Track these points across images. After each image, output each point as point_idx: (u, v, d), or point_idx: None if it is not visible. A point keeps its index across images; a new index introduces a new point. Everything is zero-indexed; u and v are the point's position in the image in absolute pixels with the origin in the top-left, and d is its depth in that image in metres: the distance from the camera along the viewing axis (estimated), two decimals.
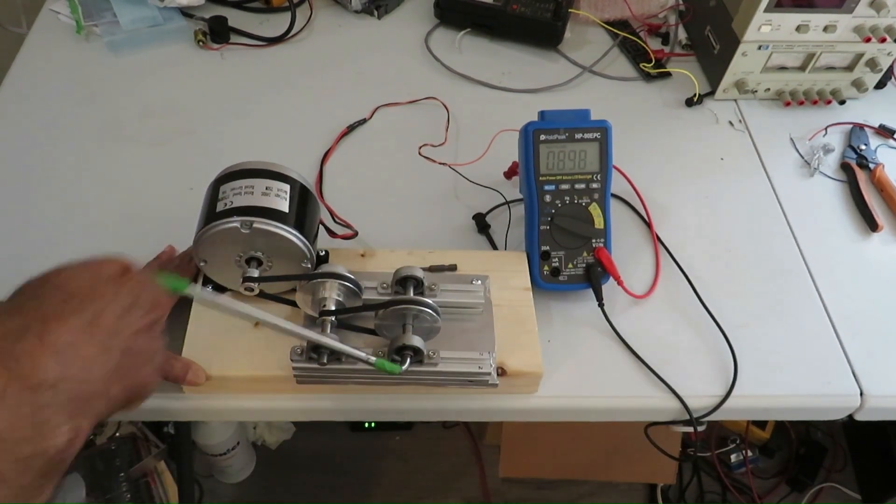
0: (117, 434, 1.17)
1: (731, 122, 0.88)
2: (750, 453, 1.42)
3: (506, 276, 0.64)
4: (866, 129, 0.88)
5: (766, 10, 0.80)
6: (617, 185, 0.73)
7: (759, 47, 0.84)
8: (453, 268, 0.63)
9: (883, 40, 0.83)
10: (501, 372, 0.57)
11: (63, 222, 0.71)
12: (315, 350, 0.53)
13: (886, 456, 1.35)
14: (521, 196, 0.69)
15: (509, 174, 0.76)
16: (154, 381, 0.47)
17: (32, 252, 0.69)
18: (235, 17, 0.94)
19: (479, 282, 0.61)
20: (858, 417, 0.66)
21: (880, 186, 0.82)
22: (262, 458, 1.41)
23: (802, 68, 0.88)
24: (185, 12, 0.94)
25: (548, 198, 0.66)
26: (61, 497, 1.07)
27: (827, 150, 0.85)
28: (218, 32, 0.91)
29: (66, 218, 0.72)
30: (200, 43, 0.91)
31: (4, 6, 1.15)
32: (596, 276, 0.65)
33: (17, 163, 0.77)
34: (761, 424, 1.44)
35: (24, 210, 0.72)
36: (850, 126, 0.89)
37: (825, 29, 0.82)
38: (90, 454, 1.15)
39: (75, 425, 0.39)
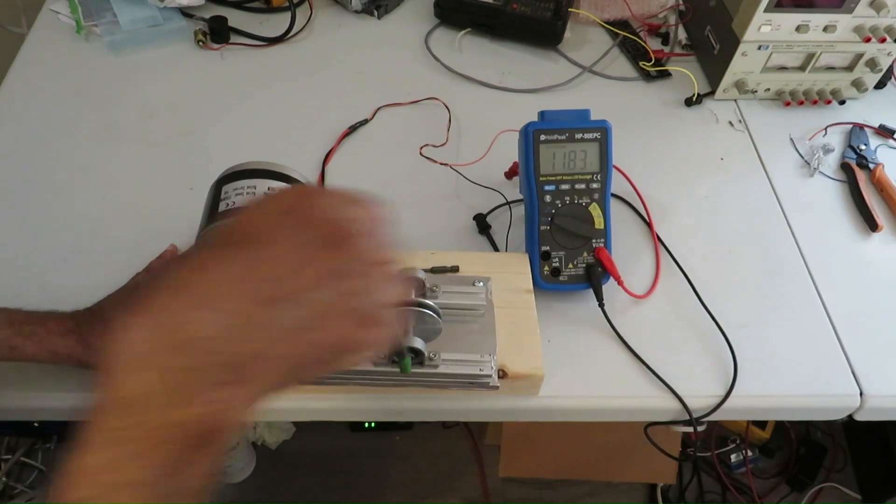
0: None
1: (730, 122, 0.89)
2: (750, 453, 1.42)
3: (508, 277, 0.63)
4: (866, 129, 0.88)
5: (766, 10, 0.80)
6: (617, 184, 0.73)
7: (759, 47, 0.84)
8: (455, 269, 0.63)
9: (883, 40, 0.83)
10: (502, 374, 0.57)
11: (63, 222, 0.71)
12: None
13: (886, 456, 1.35)
14: (521, 196, 0.69)
15: (510, 174, 0.76)
16: (359, 336, 0.35)
17: (32, 252, 0.69)
18: (235, 17, 0.94)
19: (481, 284, 0.61)
20: (858, 417, 0.66)
21: (880, 186, 0.82)
22: (262, 458, 1.40)
23: (802, 68, 0.88)
24: (185, 12, 0.94)
25: (548, 198, 0.66)
26: None
27: (827, 150, 0.85)
28: (218, 32, 0.91)
29: (66, 218, 0.72)
30: (200, 43, 0.91)
31: (4, 6, 1.15)
32: (596, 276, 0.66)
33: (16, 162, 0.76)
34: (761, 424, 1.44)
35: (23, 210, 0.72)
36: (850, 126, 0.89)
37: (825, 29, 0.82)
38: None
39: (223, 394, 0.32)
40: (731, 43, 0.86)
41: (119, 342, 0.32)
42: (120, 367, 0.32)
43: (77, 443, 0.31)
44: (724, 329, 0.66)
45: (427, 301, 0.54)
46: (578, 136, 0.65)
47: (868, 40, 0.83)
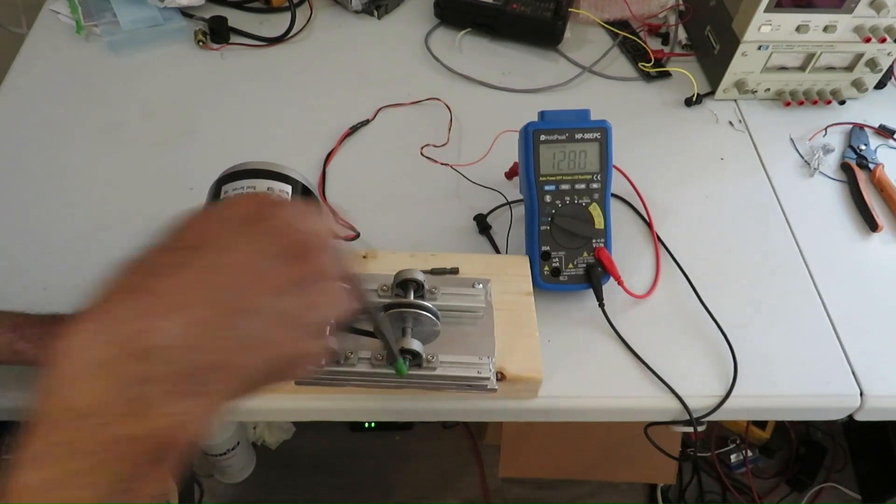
0: None
1: (731, 122, 0.88)
2: (750, 453, 1.42)
3: (508, 280, 0.63)
4: (866, 129, 0.88)
5: (766, 10, 0.80)
6: (617, 184, 0.73)
7: (759, 47, 0.84)
8: (455, 271, 0.63)
9: (883, 40, 0.83)
10: (501, 377, 0.57)
11: (63, 222, 0.71)
12: None
13: (886, 456, 1.35)
14: (521, 196, 0.69)
15: (510, 174, 0.76)
16: (311, 350, 0.35)
17: (32, 252, 0.69)
18: (235, 17, 0.94)
19: (481, 286, 0.61)
20: (858, 417, 0.66)
21: (880, 186, 0.82)
22: (262, 458, 1.40)
23: (802, 68, 0.88)
24: (185, 12, 0.94)
25: (548, 198, 0.66)
26: None
27: (827, 150, 0.85)
28: (218, 32, 0.91)
29: (65, 218, 0.72)
30: (200, 43, 0.91)
31: (4, 6, 1.15)
32: (596, 276, 0.66)
33: (16, 163, 0.76)
34: (761, 424, 1.44)
35: (23, 210, 0.72)
36: (850, 126, 0.89)
37: (825, 29, 0.82)
38: None
39: (184, 406, 0.31)
40: (731, 43, 0.86)
41: (71, 347, 0.30)
42: (71, 374, 0.29)
43: (17, 458, 0.28)
44: (724, 329, 0.66)
45: (425, 303, 0.54)
46: (578, 136, 0.65)
47: (868, 40, 0.83)
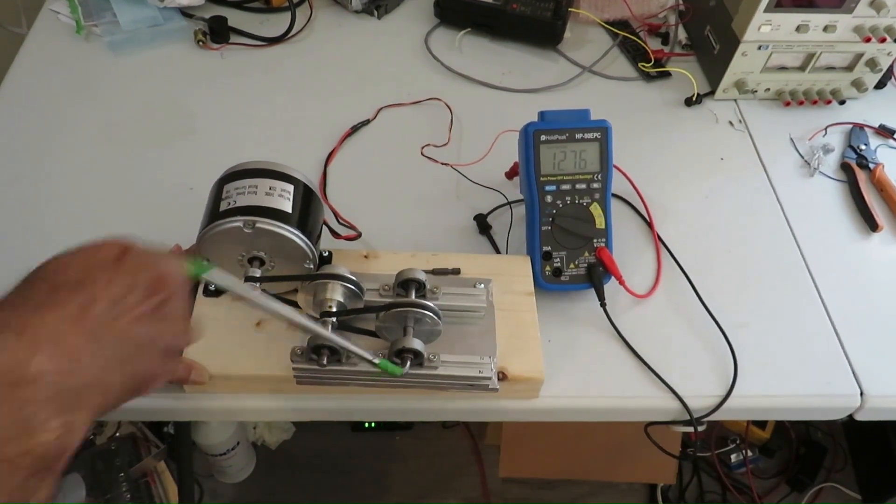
0: (117, 434, 1.17)
1: (731, 122, 0.89)
2: (750, 453, 1.42)
3: (509, 280, 0.63)
4: (866, 129, 0.88)
5: (766, 10, 0.80)
6: (618, 184, 0.73)
7: (759, 47, 0.84)
8: (456, 271, 0.63)
9: (883, 40, 0.83)
10: (502, 376, 0.57)
11: (63, 223, 0.71)
12: (315, 351, 0.53)
13: (886, 456, 1.35)
14: (522, 196, 0.69)
15: (511, 174, 0.76)
16: (162, 370, 0.44)
17: (32, 253, 0.68)
18: (235, 17, 0.94)
19: (482, 286, 0.61)
20: (858, 417, 0.66)
21: (880, 186, 0.82)
22: (262, 458, 1.40)
23: (802, 68, 0.88)
24: (185, 12, 0.94)
25: (549, 198, 0.66)
26: (61, 497, 1.07)
27: (827, 150, 0.85)
28: (218, 32, 0.91)
29: (65, 218, 0.72)
30: (200, 43, 0.91)
31: (4, 6, 1.14)
32: (598, 275, 0.66)
33: (16, 163, 0.76)
34: (761, 424, 1.44)
35: (23, 210, 0.72)
36: (850, 126, 0.89)
37: (825, 29, 0.82)
38: (90, 454, 1.15)
39: (66, 420, 0.37)
40: (731, 43, 0.86)
41: None
42: None
43: None
44: (724, 329, 0.66)
45: (427, 302, 0.54)
46: (579, 136, 0.65)
47: (868, 40, 0.83)
